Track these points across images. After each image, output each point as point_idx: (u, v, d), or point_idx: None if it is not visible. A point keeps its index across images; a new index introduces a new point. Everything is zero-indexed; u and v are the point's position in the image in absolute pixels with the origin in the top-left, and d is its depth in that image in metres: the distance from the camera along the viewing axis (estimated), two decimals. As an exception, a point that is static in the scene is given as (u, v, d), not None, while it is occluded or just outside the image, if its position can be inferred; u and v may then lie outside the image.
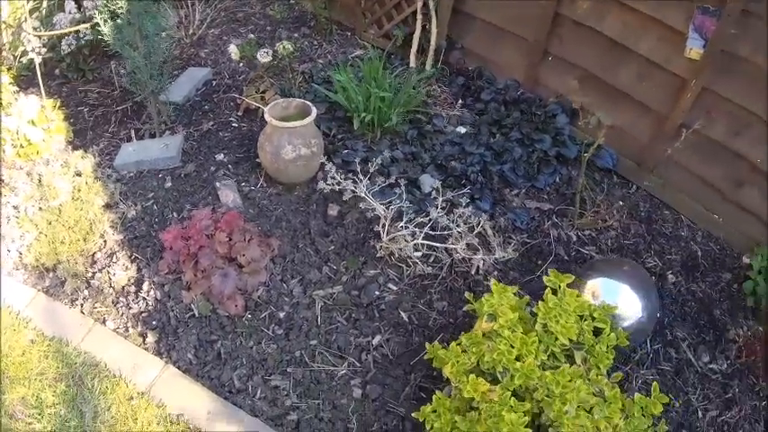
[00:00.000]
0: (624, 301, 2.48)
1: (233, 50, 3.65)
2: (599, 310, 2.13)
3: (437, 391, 2.10)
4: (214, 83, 3.88)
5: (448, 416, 2.01)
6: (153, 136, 3.47)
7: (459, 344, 2.08)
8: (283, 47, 3.53)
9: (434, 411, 2.07)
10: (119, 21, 3.11)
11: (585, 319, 2.09)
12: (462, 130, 3.46)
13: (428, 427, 2.08)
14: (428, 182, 3.01)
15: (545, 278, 2.16)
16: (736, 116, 3.10)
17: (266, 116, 2.98)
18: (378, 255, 2.82)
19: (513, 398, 1.88)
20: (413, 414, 2.12)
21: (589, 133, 3.35)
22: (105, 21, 3.12)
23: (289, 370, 2.47)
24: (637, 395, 2.08)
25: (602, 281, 2.54)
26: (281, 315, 2.64)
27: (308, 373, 2.46)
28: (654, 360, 2.72)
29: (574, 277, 2.18)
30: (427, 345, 2.20)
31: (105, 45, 3.28)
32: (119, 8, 3.06)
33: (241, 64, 3.95)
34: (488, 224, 2.87)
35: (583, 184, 3.13)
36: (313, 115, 2.98)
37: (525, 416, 1.83)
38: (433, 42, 3.79)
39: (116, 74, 3.74)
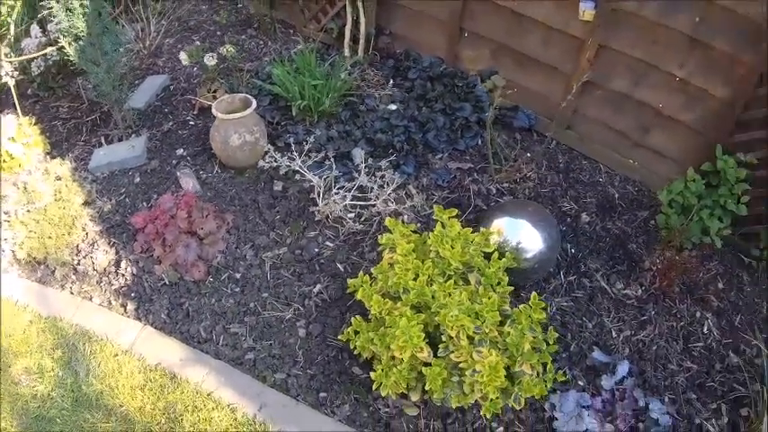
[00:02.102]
0: (525, 235, 2.97)
1: (183, 57, 4.23)
2: (479, 235, 2.70)
3: (357, 317, 2.68)
4: (172, 87, 4.46)
5: (366, 335, 2.59)
6: (121, 140, 4.05)
7: (370, 274, 2.66)
8: (227, 50, 4.12)
9: (356, 332, 2.65)
10: (81, 42, 3.70)
11: (473, 245, 2.65)
12: (393, 107, 4.04)
13: (352, 347, 2.67)
14: (358, 154, 3.59)
15: (435, 215, 2.73)
16: (633, 68, 3.63)
17: (213, 111, 3.57)
18: (316, 219, 3.39)
19: (411, 311, 2.46)
20: (339, 336, 2.70)
21: (503, 96, 3.91)
22: (70, 43, 3.70)
23: (245, 319, 3.04)
24: (521, 305, 2.64)
25: (506, 219, 3.03)
26: (238, 276, 3.22)
27: (261, 320, 3.03)
28: (567, 289, 3.24)
29: (456, 211, 2.74)
30: (349, 281, 2.77)
31: (71, 64, 3.85)
32: (80, 31, 3.64)
33: (195, 68, 4.53)
34: (412, 183, 3.45)
35: (494, 141, 3.69)
36: (253, 106, 3.56)
37: (421, 325, 2.40)
38: (362, 31, 4.37)
39: (83, 88, 4.31)
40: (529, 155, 3.80)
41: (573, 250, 3.42)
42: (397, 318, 2.39)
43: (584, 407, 2.76)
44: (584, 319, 3.13)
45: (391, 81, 4.25)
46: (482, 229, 2.83)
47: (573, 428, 2.69)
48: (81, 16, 3.56)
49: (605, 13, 3.54)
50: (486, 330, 2.36)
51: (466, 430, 2.69)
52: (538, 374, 2.55)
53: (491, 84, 3.51)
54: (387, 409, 2.73)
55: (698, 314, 3.23)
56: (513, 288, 2.74)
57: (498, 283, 2.66)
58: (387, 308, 2.46)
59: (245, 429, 2.69)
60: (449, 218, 2.69)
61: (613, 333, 3.09)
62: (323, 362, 2.89)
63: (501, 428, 2.70)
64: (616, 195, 3.79)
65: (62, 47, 3.72)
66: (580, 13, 3.63)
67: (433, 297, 2.45)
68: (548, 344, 2.62)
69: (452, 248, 2.54)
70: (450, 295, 2.39)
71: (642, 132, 3.81)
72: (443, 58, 4.28)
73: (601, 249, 3.47)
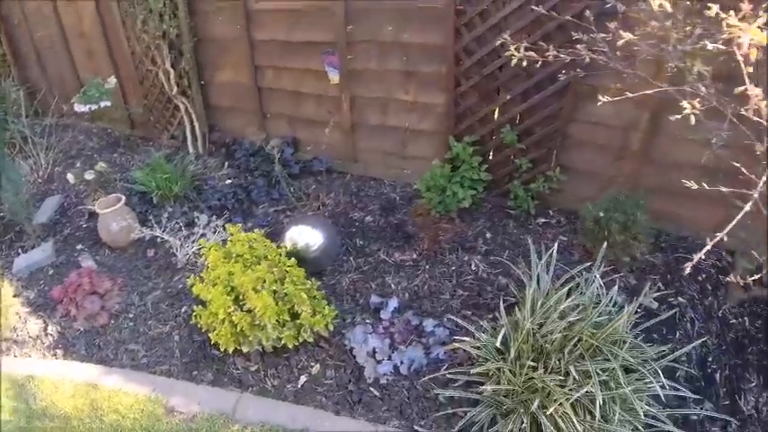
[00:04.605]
0: (309, 235, 4.71)
1: (70, 177, 6.07)
2: (255, 234, 4.50)
3: (198, 306, 4.43)
4: (65, 203, 6.23)
5: (206, 314, 4.29)
6: (33, 248, 5.78)
7: (200, 277, 4.46)
8: (100, 166, 5.99)
9: (199, 315, 4.40)
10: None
11: (257, 242, 4.48)
12: (228, 181, 5.95)
13: (200, 327, 4.40)
14: (203, 218, 5.45)
15: (227, 230, 4.59)
16: (379, 104, 5.57)
17: (96, 209, 5.39)
18: (178, 266, 5.20)
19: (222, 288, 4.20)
20: (192, 322, 4.50)
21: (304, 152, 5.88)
22: (-15, 179, 5.49)
23: (139, 339, 4.72)
24: (291, 269, 4.41)
25: (293, 227, 4.77)
26: (131, 315, 4.93)
27: (149, 338, 4.73)
28: (356, 268, 4.98)
29: (240, 225, 4.60)
30: (187, 282, 4.55)
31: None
32: (-7, 169, 5.44)
33: (81, 186, 6.37)
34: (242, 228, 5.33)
35: (290, 184, 5.64)
36: (122, 200, 5.38)
37: (232, 296, 4.13)
38: (198, 132, 6.33)
39: (-3, 215, 6.08)
40: (324, 189, 5.76)
41: (360, 242, 5.24)
42: (214, 294, 4.17)
43: (369, 334, 4.27)
44: (370, 282, 4.83)
45: (226, 163, 6.19)
46: (256, 230, 4.66)
47: (364, 349, 4.18)
48: (-9, 158, 5.37)
49: (346, 75, 5.51)
50: (267, 285, 4.13)
51: (292, 371, 4.36)
52: (323, 315, 4.25)
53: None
54: (237, 371, 4.42)
55: (466, 258, 4.89)
56: (303, 269, 4.40)
57: (287, 264, 4.36)
58: (209, 291, 4.24)
59: (144, 402, 4.37)
60: (237, 230, 4.52)
61: (393, 286, 4.74)
62: (192, 353, 4.59)
63: (317, 365, 4.31)
64: (397, 198, 5.70)
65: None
66: (331, 80, 5.61)
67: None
68: (317, 290, 4.35)
69: (242, 247, 4.39)
70: (240, 271, 4.20)
71: (403, 147, 5.74)
72: (265, 138, 6.25)
73: (383, 237, 5.25)
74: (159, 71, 6.38)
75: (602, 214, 4.58)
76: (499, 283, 4.71)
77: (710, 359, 4.18)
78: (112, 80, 6.51)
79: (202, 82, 6.44)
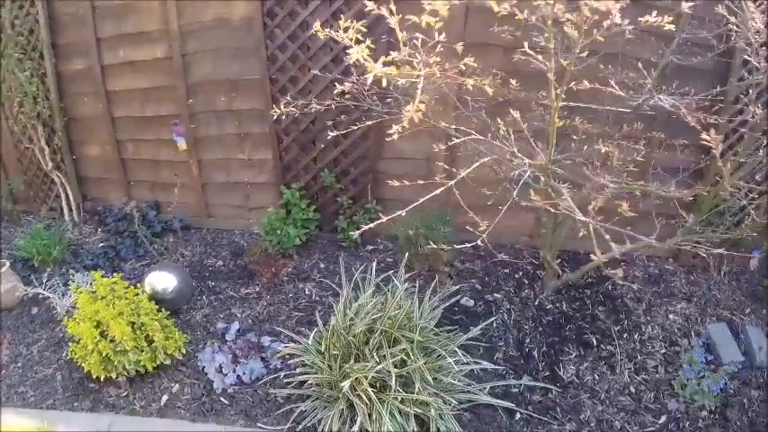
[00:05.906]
0: (165, 280, 5.81)
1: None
2: (115, 278, 5.69)
3: (73, 342, 5.57)
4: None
5: (80, 350, 5.43)
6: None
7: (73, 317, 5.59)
8: (-14, 241, 7.08)
9: (74, 351, 5.55)
10: None
11: (118, 285, 5.69)
12: (101, 244, 7.13)
13: (75, 361, 5.58)
14: (78, 276, 6.59)
15: (92, 276, 5.79)
16: (222, 164, 6.94)
17: (-17, 276, 6.48)
18: (59, 319, 6.31)
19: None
20: (70, 359, 5.66)
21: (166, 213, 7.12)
22: None
23: (27, 383, 5.72)
24: (144, 303, 5.64)
25: (151, 274, 5.85)
26: (19, 364, 5.94)
27: (35, 381, 5.77)
28: (208, 304, 6.16)
29: (102, 272, 5.75)
30: (64, 322, 5.68)
31: None
32: None
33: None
34: (113, 282, 6.53)
35: (151, 239, 6.91)
36: (7, 265, 6.42)
37: (98, 329, 5.31)
38: (72, 203, 7.50)
39: None
40: (183, 243, 7.03)
41: (212, 284, 6.50)
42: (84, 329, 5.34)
43: (216, 353, 5.36)
44: (219, 314, 6.04)
45: (99, 229, 7.38)
46: (115, 275, 5.86)
47: (213, 366, 5.26)
48: None
49: (192, 141, 6.79)
50: (125, 317, 5.25)
51: (155, 392, 5.43)
52: (174, 340, 5.53)
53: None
54: (110, 398, 5.47)
55: (302, 286, 6.14)
56: (156, 305, 5.58)
57: (141, 301, 5.57)
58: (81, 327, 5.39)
59: (35, 430, 5.48)
60: (99, 276, 5.70)
61: (238, 315, 5.91)
62: (72, 388, 5.58)
63: (177, 385, 5.48)
64: (245, 244, 6.96)
65: None
66: (179, 148, 6.87)
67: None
68: (167, 319, 5.60)
69: (105, 290, 5.57)
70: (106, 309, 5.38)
71: (247, 199, 7.02)
72: (125, 202, 7.48)
73: (232, 277, 6.48)
74: (35, 148, 7.48)
75: (411, 232, 5.91)
76: (329, 303, 6.05)
77: (528, 340, 5.54)
78: (-7, 159, 7.61)
79: (74, 156, 7.58)
